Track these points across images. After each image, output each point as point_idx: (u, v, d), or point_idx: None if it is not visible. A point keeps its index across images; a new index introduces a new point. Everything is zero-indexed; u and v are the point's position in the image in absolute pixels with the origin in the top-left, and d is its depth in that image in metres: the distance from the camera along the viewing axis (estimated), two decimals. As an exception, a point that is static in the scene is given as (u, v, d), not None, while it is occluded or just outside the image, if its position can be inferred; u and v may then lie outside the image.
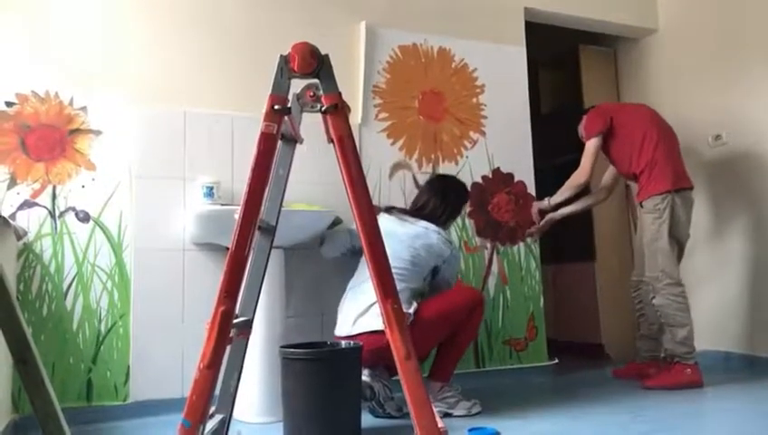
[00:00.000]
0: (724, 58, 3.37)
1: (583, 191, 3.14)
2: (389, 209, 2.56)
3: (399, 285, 2.27)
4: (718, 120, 3.37)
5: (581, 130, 3.10)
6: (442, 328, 2.32)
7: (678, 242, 2.87)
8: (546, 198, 3.13)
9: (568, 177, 3.07)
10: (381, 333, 2.03)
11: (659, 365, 2.95)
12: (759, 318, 3.16)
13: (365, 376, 2.26)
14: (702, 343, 3.09)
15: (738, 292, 3.26)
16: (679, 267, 2.88)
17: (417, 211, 2.54)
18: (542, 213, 3.17)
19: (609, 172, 3.26)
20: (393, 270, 2.20)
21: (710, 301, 3.37)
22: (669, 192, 2.82)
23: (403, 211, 2.56)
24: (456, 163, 3.11)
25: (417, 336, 2.15)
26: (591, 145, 2.97)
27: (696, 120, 3.49)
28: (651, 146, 2.88)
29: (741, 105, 3.28)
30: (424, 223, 2.47)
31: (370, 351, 2.15)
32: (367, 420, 2.19)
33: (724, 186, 3.36)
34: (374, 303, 2.16)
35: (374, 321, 2.18)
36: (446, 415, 2.27)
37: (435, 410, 2.19)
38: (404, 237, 2.39)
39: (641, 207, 2.94)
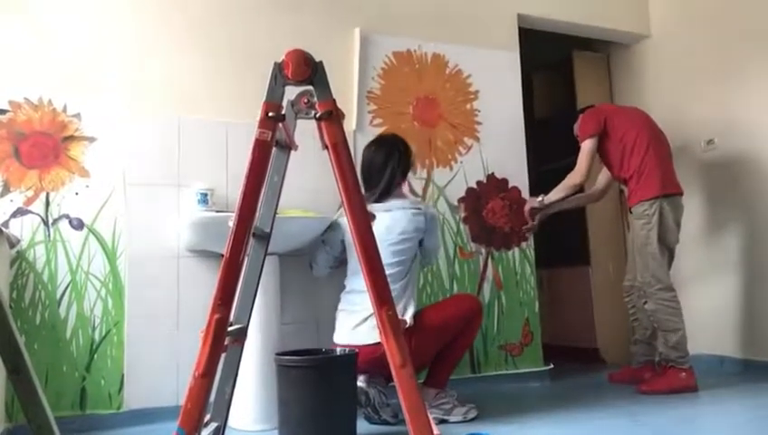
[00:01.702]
0: (717, 63, 3.39)
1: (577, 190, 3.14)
2: None
3: (400, 294, 2.29)
4: (711, 125, 3.39)
5: (577, 129, 3.11)
6: (442, 336, 2.32)
7: (668, 247, 2.88)
8: (542, 195, 3.10)
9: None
10: (376, 344, 2.05)
11: (654, 369, 2.96)
12: (753, 322, 3.17)
13: (361, 382, 2.26)
14: (696, 346, 3.10)
15: (732, 295, 3.27)
16: (670, 272, 2.89)
17: (380, 195, 2.42)
18: (534, 211, 3.16)
19: (603, 174, 3.27)
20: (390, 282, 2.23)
21: (704, 305, 3.37)
22: (657, 198, 2.84)
23: (368, 200, 2.41)
24: (451, 169, 3.11)
25: (419, 345, 2.19)
26: (586, 146, 2.97)
27: (688, 125, 3.52)
28: (641, 151, 2.90)
29: (733, 110, 3.30)
30: (387, 204, 2.40)
31: (366, 361, 2.16)
32: (362, 426, 2.18)
33: (716, 190, 3.38)
34: (369, 315, 2.17)
35: (369, 334, 2.19)
36: (441, 421, 2.26)
37: (430, 416, 2.20)
38: (384, 251, 2.24)
39: (631, 212, 2.96)
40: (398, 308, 2.25)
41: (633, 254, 3.00)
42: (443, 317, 2.34)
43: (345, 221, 2.20)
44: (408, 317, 2.27)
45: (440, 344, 2.34)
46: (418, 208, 2.43)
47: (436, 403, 2.32)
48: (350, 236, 2.16)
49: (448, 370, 2.41)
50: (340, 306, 2.43)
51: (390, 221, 2.36)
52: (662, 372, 2.82)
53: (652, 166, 2.88)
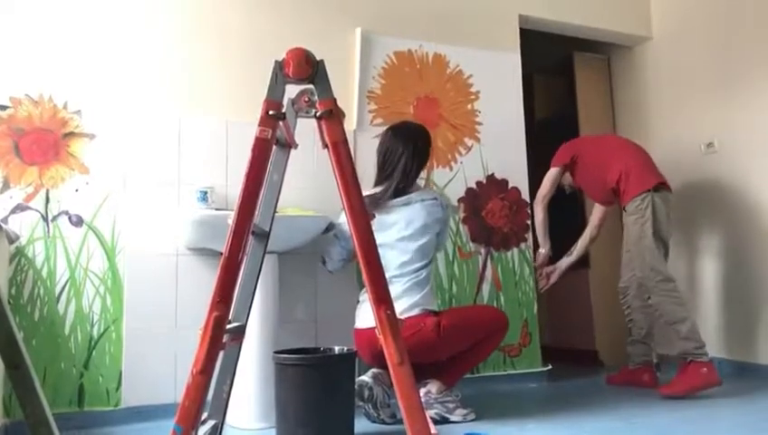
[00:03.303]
0: (718, 66, 3.39)
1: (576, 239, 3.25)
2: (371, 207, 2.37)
3: (426, 287, 2.37)
4: (711, 128, 3.40)
5: None
6: (464, 338, 2.34)
7: (663, 240, 2.89)
8: (541, 250, 3.16)
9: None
10: (407, 320, 2.18)
11: (652, 370, 2.96)
12: (750, 325, 3.17)
13: (368, 377, 2.27)
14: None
15: (728, 298, 3.28)
16: (667, 265, 2.90)
17: (395, 192, 2.40)
18: (545, 262, 3.21)
19: (596, 211, 3.29)
20: (414, 277, 2.33)
21: (700, 307, 3.38)
22: (648, 191, 2.86)
23: (384, 196, 2.39)
24: (451, 169, 3.12)
25: (442, 340, 2.26)
26: (550, 173, 3.13)
27: (688, 128, 3.52)
28: (620, 157, 2.98)
29: (733, 113, 3.30)
30: (405, 198, 2.39)
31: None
32: (360, 425, 2.18)
33: (714, 193, 3.37)
34: (401, 297, 2.25)
35: (404, 312, 2.23)
36: (442, 418, 2.28)
37: (432, 411, 2.23)
38: (407, 245, 2.36)
39: (625, 211, 2.97)
40: (414, 301, 2.30)
41: (627, 254, 3.01)
42: (469, 320, 2.40)
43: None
44: (436, 307, 2.36)
45: (458, 346, 2.34)
46: (435, 199, 2.46)
47: (442, 399, 2.32)
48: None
49: (461, 372, 2.43)
50: (362, 298, 2.41)
51: (410, 214, 2.39)
52: (683, 369, 2.74)
53: (635, 165, 2.94)
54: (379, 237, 2.28)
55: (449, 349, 2.33)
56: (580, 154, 3.10)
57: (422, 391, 2.29)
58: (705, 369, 2.67)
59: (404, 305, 2.25)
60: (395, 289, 2.24)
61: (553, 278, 3.21)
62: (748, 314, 3.18)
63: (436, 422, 2.23)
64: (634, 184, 2.90)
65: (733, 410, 2.45)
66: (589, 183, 3.15)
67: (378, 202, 2.39)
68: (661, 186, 2.91)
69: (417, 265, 2.36)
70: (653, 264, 2.83)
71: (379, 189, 2.43)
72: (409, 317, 2.24)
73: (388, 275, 2.23)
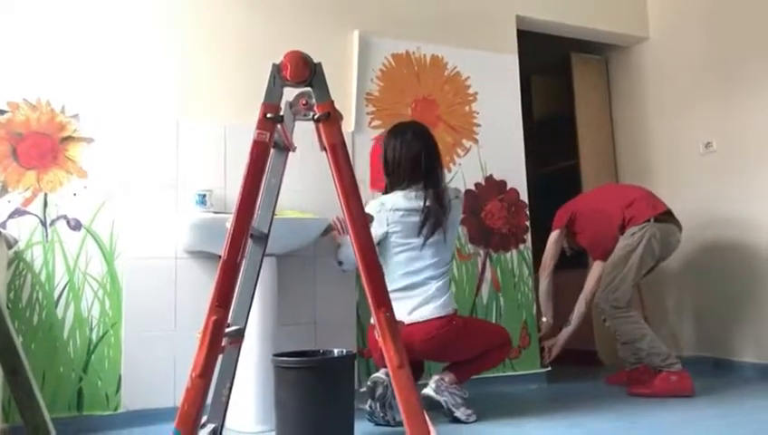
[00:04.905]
0: (715, 65, 3.40)
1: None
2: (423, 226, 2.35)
3: (449, 288, 2.44)
4: (709, 128, 3.40)
5: None
6: (481, 342, 2.42)
7: (640, 274, 2.88)
8: (543, 319, 3.18)
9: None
10: (439, 319, 2.26)
11: (649, 369, 2.96)
12: (748, 326, 3.17)
13: (383, 374, 2.27)
14: (695, 349, 3.10)
15: (725, 298, 3.29)
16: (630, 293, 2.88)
17: (437, 202, 2.37)
18: (548, 332, 3.21)
19: (595, 268, 3.27)
20: (444, 277, 2.38)
21: (696, 308, 3.38)
22: (648, 221, 2.85)
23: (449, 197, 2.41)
24: (449, 170, 3.11)
25: (464, 340, 2.35)
26: (551, 237, 3.15)
27: (686, 128, 3.52)
28: (620, 195, 3.01)
29: (732, 112, 3.30)
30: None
31: (425, 340, 2.26)
32: (360, 428, 2.18)
33: (712, 193, 3.38)
34: (434, 296, 2.32)
35: (432, 312, 2.29)
36: (447, 409, 2.29)
37: (441, 398, 2.27)
38: (442, 246, 2.39)
39: (621, 236, 2.93)
40: (443, 301, 2.35)
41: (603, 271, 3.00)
42: (483, 328, 2.54)
43: (379, 217, 2.30)
44: (453, 309, 2.39)
45: (473, 349, 2.41)
46: (457, 197, 2.49)
47: (452, 390, 2.33)
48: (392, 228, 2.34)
49: (472, 372, 2.45)
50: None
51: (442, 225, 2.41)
52: (654, 375, 2.78)
53: (636, 196, 2.95)
54: (414, 239, 2.34)
55: (466, 351, 2.40)
56: (577, 209, 3.11)
57: (435, 377, 2.35)
58: (674, 377, 2.71)
59: (437, 303, 2.32)
60: (430, 288, 2.33)
61: (555, 352, 3.18)
62: (745, 315, 3.19)
63: (439, 413, 2.26)
64: (638, 212, 2.89)
65: (734, 411, 2.45)
66: (593, 232, 3.10)
67: (447, 200, 2.39)
68: (664, 217, 2.89)
69: (447, 267, 2.43)
70: (618, 291, 2.83)
71: (417, 192, 2.39)
72: (444, 315, 2.31)
73: (423, 277, 2.34)
